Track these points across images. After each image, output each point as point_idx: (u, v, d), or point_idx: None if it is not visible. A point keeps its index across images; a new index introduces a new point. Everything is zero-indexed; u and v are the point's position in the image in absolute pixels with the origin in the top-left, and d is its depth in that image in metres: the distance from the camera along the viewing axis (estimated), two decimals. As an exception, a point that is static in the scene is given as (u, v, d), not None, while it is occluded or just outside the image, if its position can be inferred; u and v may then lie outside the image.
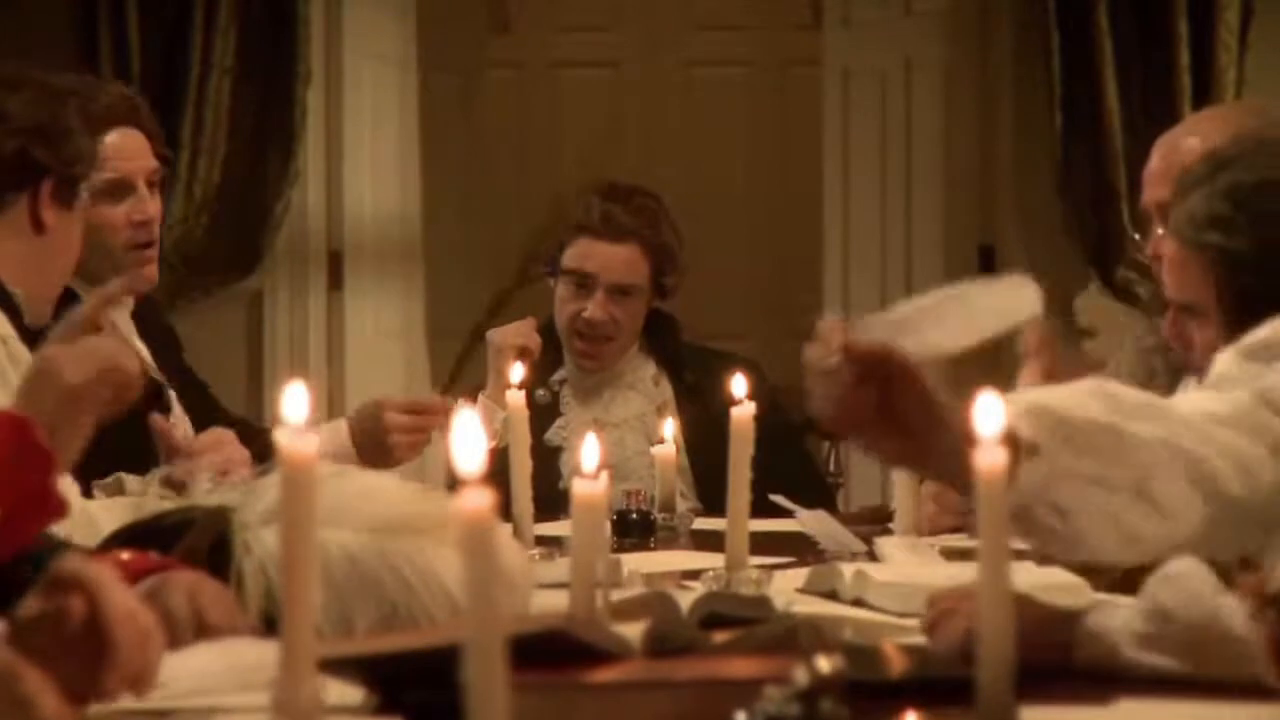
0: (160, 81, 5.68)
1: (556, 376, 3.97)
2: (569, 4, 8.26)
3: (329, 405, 6.09)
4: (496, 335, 3.90)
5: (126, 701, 1.65)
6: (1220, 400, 2.09)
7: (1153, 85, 5.66)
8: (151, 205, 3.31)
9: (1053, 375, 2.80)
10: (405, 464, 3.41)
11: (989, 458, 1.55)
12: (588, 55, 8.21)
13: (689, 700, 1.81)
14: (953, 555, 2.87)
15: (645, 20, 8.23)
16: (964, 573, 2.40)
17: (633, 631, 1.95)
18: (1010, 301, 2.14)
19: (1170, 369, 3.12)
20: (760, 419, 2.65)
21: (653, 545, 3.20)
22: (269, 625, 1.95)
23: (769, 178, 8.12)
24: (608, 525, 2.94)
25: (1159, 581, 1.85)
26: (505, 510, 2.83)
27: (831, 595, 2.51)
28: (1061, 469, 1.96)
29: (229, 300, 5.95)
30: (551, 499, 3.12)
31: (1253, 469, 2.02)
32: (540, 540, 2.89)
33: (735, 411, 2.62)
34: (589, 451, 2.14)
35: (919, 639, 2.09)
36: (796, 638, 1.93)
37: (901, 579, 2.44)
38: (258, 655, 1.77)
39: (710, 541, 2.94)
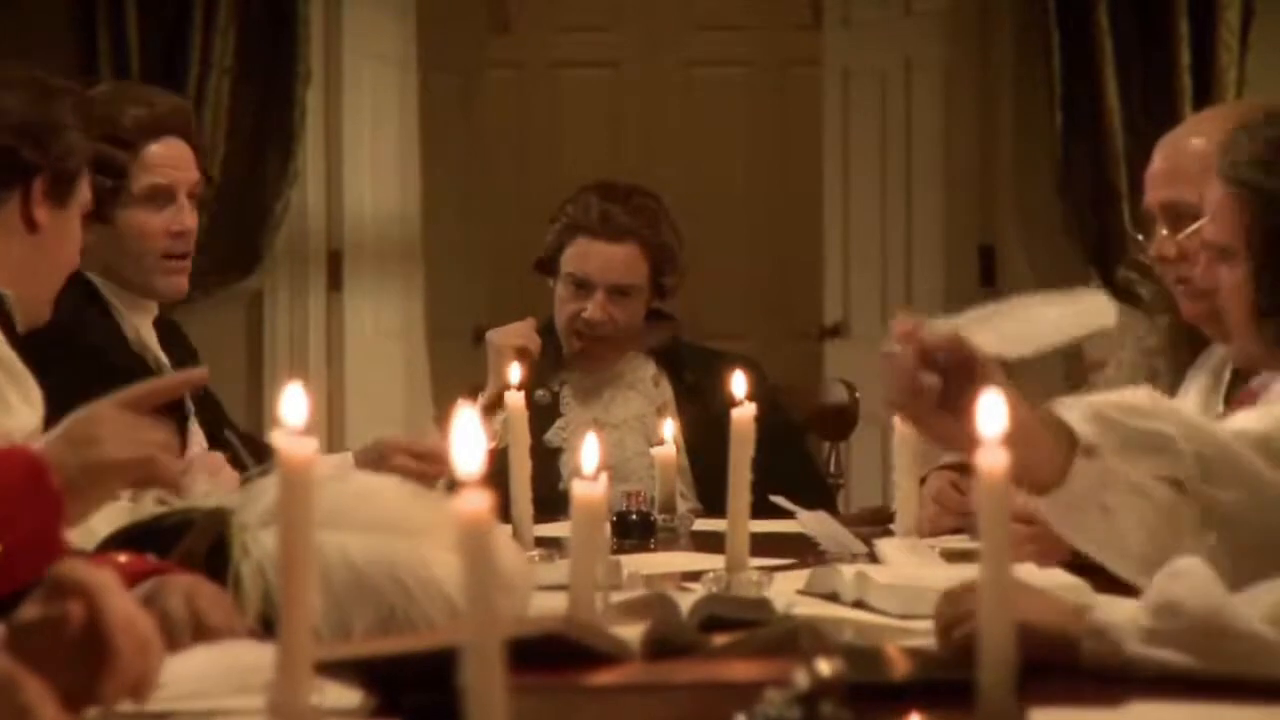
0: (159, 81, 5.64)
1: (556, 377, 3.96)
2: (569, 4, 8.26)
3: (329, 406, 6.09)
4: (496, 336, 3.89)
5: (125, 707, 1.64)
6: (1260, 418, 2.14)
7: (1153, 85, 5.66)
8: (190, 218, 3.34)
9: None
10: None
11: (990, 458, 1.54)
12: (588, 55, 8.21)
13: (688, 703, 1.81)
14: (953, 556, 2.86)
15: (645, 20, 8.23)
16: (965, 574, 2.39)
17: (632, 634, 1.94)
18: (1083, 313, 2.21)
19: (1173, 369, 3.12)
20: (760, 419, 2.64)
21: (653, 546, 3.20)
22: (267, 627, 1.95)
23: (769, 178, 8.12)
24: (607, 526, 2.93)
25: (1167, 577, 1.85)
26: (504, 512, 2.83)
27: (832, 597, 2.50)
28: (1114, 472, 2.05)
29: (228, 300, 5.95)
30: (551, 500, 3.12)
31: (1268, 496, 2.06)
32: (540, 542, 2.88)
33: (735, 412, 2.61)
34: (588, 453, 2.13)
35: (920, 641, 2.08)
36: (797, 640, 1.93)
37: (903, 581, 2.44)
38: (255, 658, 1.76)
39: (710, 543, 2.93)
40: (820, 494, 3.75)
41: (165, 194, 3.30)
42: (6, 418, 2.47)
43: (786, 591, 2.51)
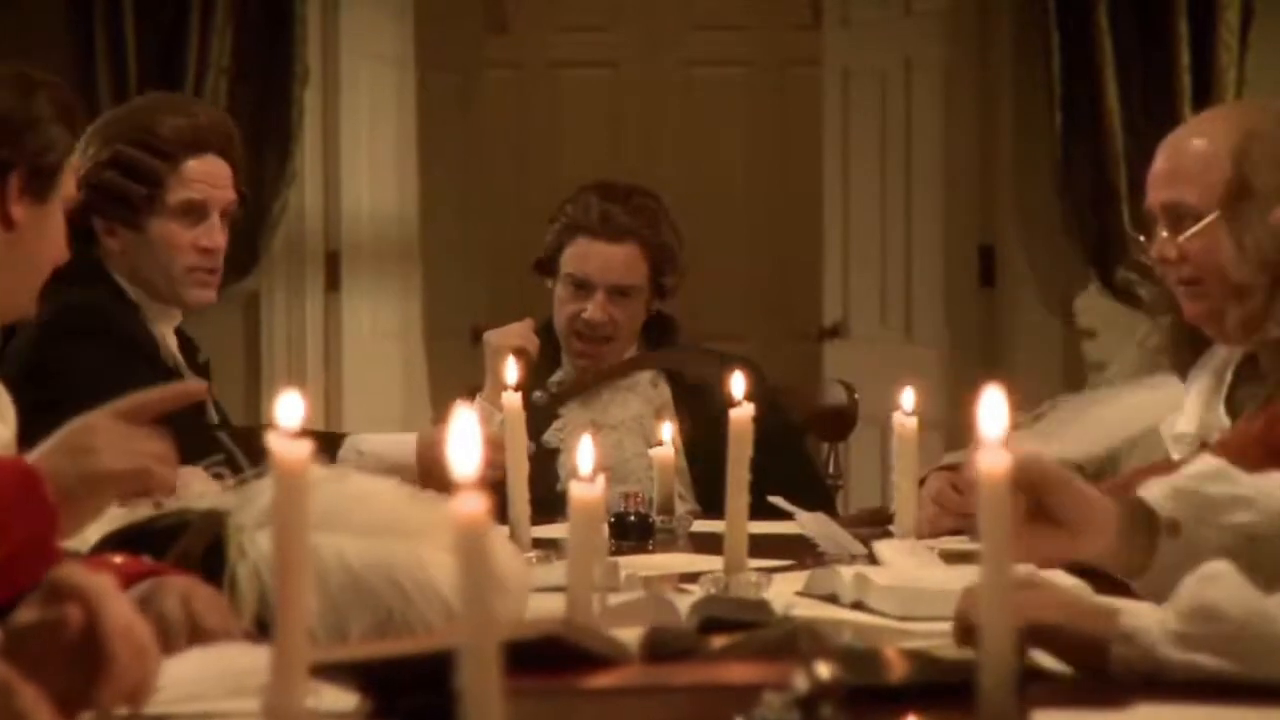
0: (157, 81, 5.66)
1: (555, 378, 3.95)
2: (568, 4, 8.25)
3: (326, 406, 6.08)
4: (494, 337, 3.88)
5: (120, 712, 1.63)
6: None
7: (1153, 85, 5.65)
8: (220, 236, 3.36)
9: None
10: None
11: (990, 459, 1.53)
12: (586, 55, 8.21)
13: (687, 706, 1.80)
14: (953, 557, 2.85)
15: (644, 20, 8.22)
16: (965, 575, 2.39)
17: (630, 636, 1.93)
18: (1160, 403, 2.27)
19: (1175, 370, 3.11)
20: (759, 420, 2.63)
21: (651, 548, 3.19)
22: (263, 629, 1.94)
23: (769, 178, 8.11)
24: (605, 528, 2.92)
25: (1199, 582, 1.84)
26: (502, 513, 2.82)
27: (831, 598, 2.49)
28: (1198, 544, 2.10)
29: (226, 301, 5.91)
30: (549, 501, 3.11)
31: None
32: (538, 543, 2.87)
33: (734, 413, 2.60)
34: (584, 454, 2.12)
35: (919, 642, 2.08)
36: (796, 642, 1.92)
37: (902, 582, 2.43)
38: (251, 660, 1.75)
39: (709, 544, 2.92)
40: (819, 495, 3.74)
41: (199, 209, 3.32)
42: None
43: (785, 593, 2.50)
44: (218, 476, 2.24)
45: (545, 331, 3.92)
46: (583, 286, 3.87)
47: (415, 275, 6.58)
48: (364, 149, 6.26)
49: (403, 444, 3.29)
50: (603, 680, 1.82)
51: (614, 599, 2.25)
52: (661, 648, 1.92)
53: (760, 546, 2.70)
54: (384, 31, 6.39)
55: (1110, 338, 5.52)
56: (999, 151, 6.05)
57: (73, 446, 2.05)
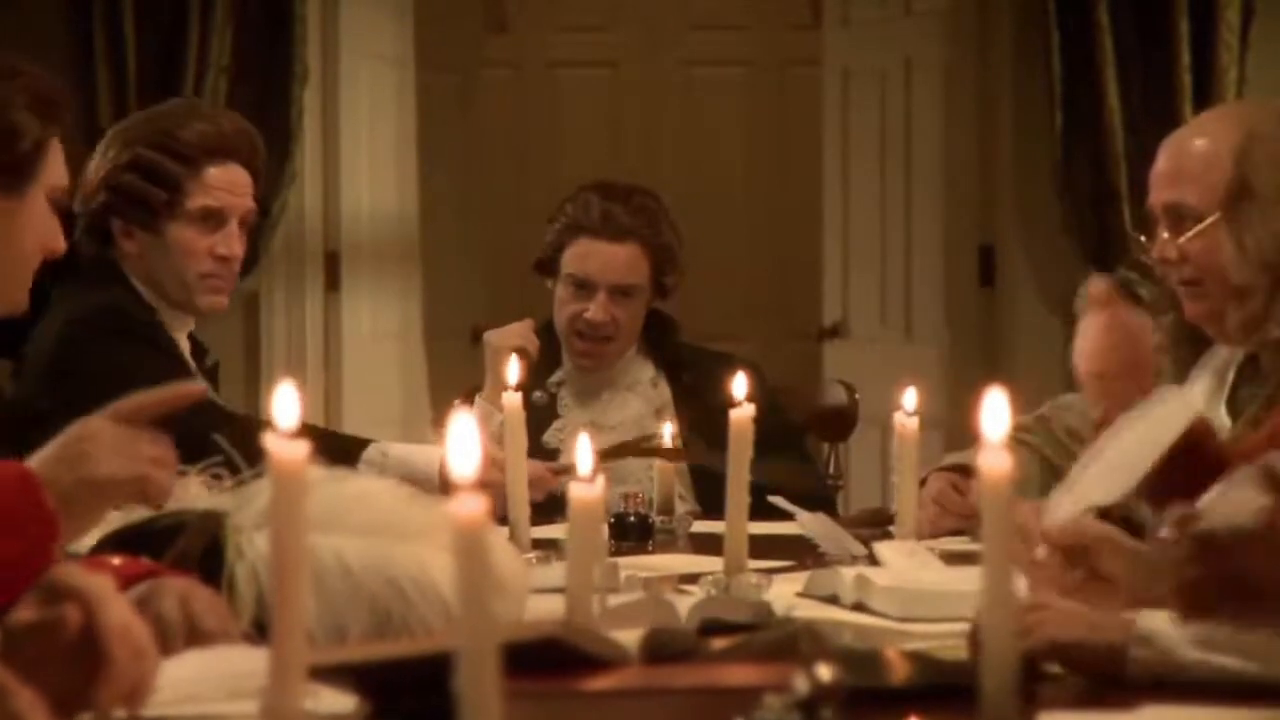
0: (156, 81, 5.66)
1: (554, 378, 3.95)
2: (567, 4, 8.24)
3: (325, 406, 6.07)
4: (494, 337, 3.88)
5: (118, 713, 1.63)
6: None
7: (1154, 85, 5.64)
8: (238, 245, 3.36)
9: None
10: None
11: (992, 461, 1.52)
12: (586, 55, 8.19)
13: (687, 708, 1.79)
14: (954, 558, 2.85)
15: (643, 20, 8.21)
16: (966, 577, 2.38)
17: (630, 637, 1.93)
18: (1170, 416, 2.27)
19: (1176, 368, 3.10)
20: (759, 420, 2.62)
21: (651, 549, 3.18)
22: (261, 631, 1.93)
23: (769, 178, 8.10)
24: (605, 528, 2.91)
25: None
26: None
27: (832, 599, 2.48)
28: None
29: (225, 301, 5.92)
30: (549, 501, 3.10)
31: None
32: (537, 544, 2.86)
33: (734, 414, 2.59)
34: (581, 454, 2.11)
35: (920, 644, 2.07)
36: (796, 644, 1.91)
37: (903, 584, 2.42)
38: (250, 662, 1.75)
39: (709, 545, 2.92)
40: (819, 496, 3.73)
41: (217, 217, 3.32)
42: None
43: (786, 594, 2.50)
44: (216, 478, 2.23)
45: (545, 331, 3.91)
46: (584, 286, 3.87)
47: (415, 275, 6.57)
48: (364, 149, 6.25)
49: (429, 455, 3.26)
50: (602, 682, 1.81)
51: (613, 600, 2.24)
52: (661, 649, 1.91)
53: (761, 547, 2.69)
54: (384, 31, 6.38)
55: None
56: (999, 151, 6.04)
57: (70, 454, 2.04)
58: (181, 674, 1.79)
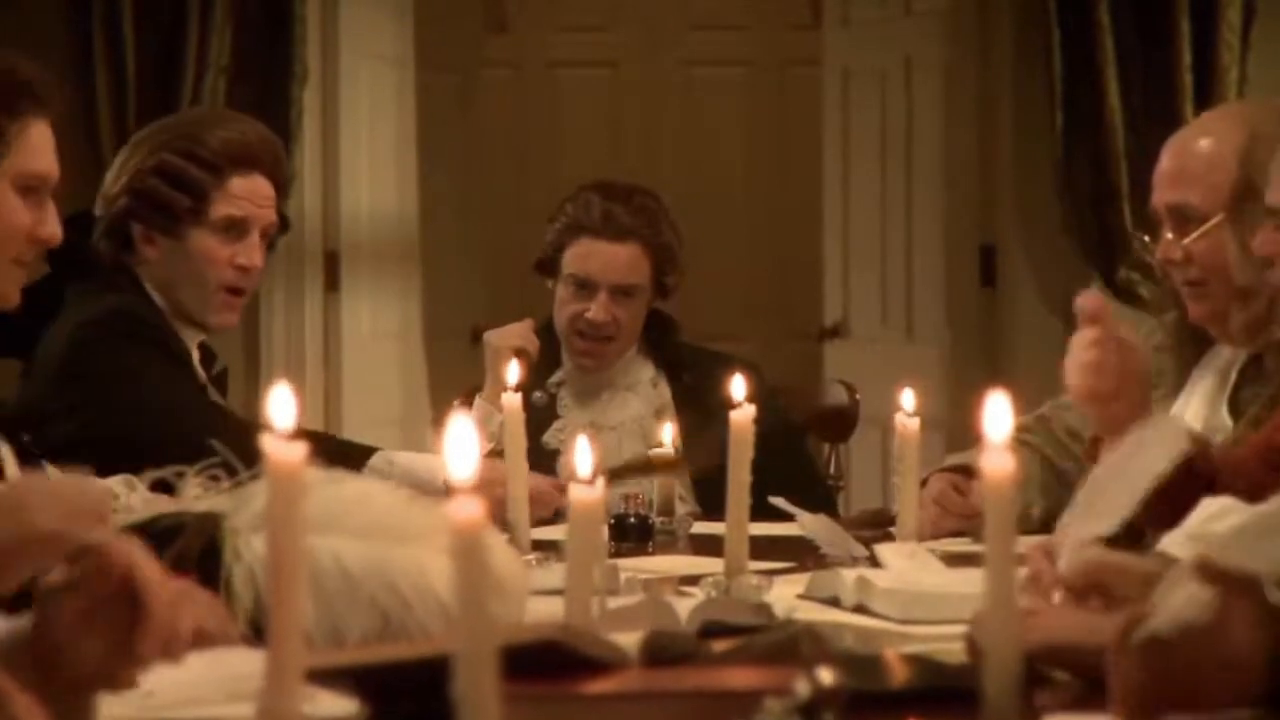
0: (155, 81, 5.65)
1: (554, 378, 3.94)
2: (567, 4, 8.23)
3: (325, 407, 6.06)
4: (494, 337, 3.87)
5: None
6: None
7: (1154, 84, 5.64)
8: (259, 256, 3.34)
9: None
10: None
11: (995, 462, 1.51)
12: (586, 55, 8.19)
13: (687, 712, 1.79)
14: (955, 560, 2.84)
15: (643, 20, 8.21)
16: (967, 578, 2.37)
17: (629, 640, 1.92)
18: (1163, 443, 2.26)
19: (1178, 368, 3.09)
20: (759, 421, 2.61)
21: (651, 550, 3.17)
22: (259, 633, 1.92)
23: (769, 178, 8.09)
24: (605, 530, 2.90)
25: None
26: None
27: (833, 601, 2.47)
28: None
29: (224, 301, 5.91)
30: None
31: None
32: (537, 545, 2.85)
33: (735, 415, 2.58)
34: (581, 455, 2.10)
35: (921, 646, 2.06)
36: (797, 646, 1.90)
37: (904, 585, 2.41)
38: (247, 665, 1.74)
39: (709, 546, 2.91)
40: (820, 496, 3.72)
41: (240, 226, 3.31)
42: None
43: (786, 596, 2.49)
44: (214, 479, 2.22)
45: (545, 331, 3.90)
46: (585, 286, 3.86)
47: (415, 275, 6.56)
48: (363, 149, 6.24)
49: (434, 464, 3.25)
50: (601, 686, 1.80)
51: (613, 602, 2.23)
52: (661, 652, 1.90)
53: (761, 548, 2.69)
54: (383, 31, 6.37)
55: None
56: (1000, 151, 6.03)
57: (3, 506, 1.98)
58: (179, 676, 1.78)
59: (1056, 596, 2.08)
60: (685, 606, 2.22)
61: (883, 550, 2.87)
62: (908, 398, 2.97)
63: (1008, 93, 5.99)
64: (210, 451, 2.28)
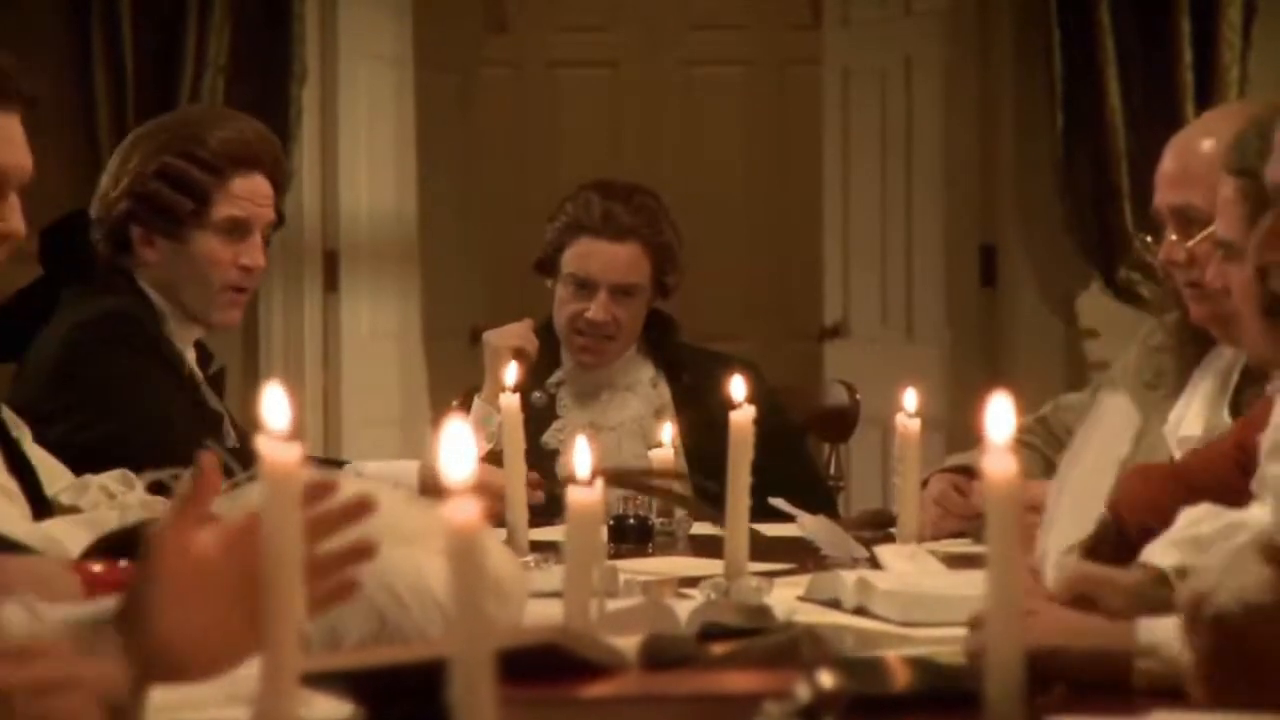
0: (154, 80, 5.64)
1: (553, 379, 3.93)
2: (566, 3, 8.23)
3: (324, 407, 6.06)
4: (493, 337, 3.86)
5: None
6: None
7: (1155, 83, 5.63)
8: (261, 255, 3.34)
9: None
10: None
11: (997, 464, 1.50)
12: (585, 55, 8.18)
13: (687, 716, 1.77)
14: (955, 561, 2.83)
15: (643, 20, 8.20)
16: (969, 580, 2.36)
17: (628, 643, 1.90)
18: (1114, 428, 2.27)
19: (1179, 368, 3.08)
20: (759, 422, 2.60)
21: (650, 551, 3.16)
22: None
23: (769, 178, 8.09)
24: (604, 531, 2.89)
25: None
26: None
27: (833, 603, 2.46)
28: (1206, 572, 2.06)
29: (223, 301, 5.90)
30: (548, 502, 3.08)
31: None
32: (536, 546, 2.84)
33: (735, 415, 2.57)
34: (580, 456, 2.09)
35: (922, 649, 2.05)
36: (798, 649, 1.89)
37: (905, 587, 2.40)
38: (245, 668, 1.72)
39: (709, 547, 2.90)
40: (820, 497, 3.71)
41: (242, 227, 3.30)
42: None
43: (787, 598, 2.48)
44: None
45: (544, 331, 3.89)
46: (585, 286, 3.85)
47: (414, 275, 6.55)
48: (362, 149, 6.23)
49: (404, 471, 3.24)
50: (600, 689, 1.79)
51: (612, 604, 2.22)
52: (660, 655, 1.89)
53: (761, 550, 2.68)
54: (382, 31, 6.36)
55: (1112, 337, 5.49)
56: (1000, 150, 6.02)
57: None
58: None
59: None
60: (684, 609, 2.21)
61: (883, 552, 2.86)
62: (910, 398, 2.96)
63: (1008, 92, 5.99)
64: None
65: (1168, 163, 2.94)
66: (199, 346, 3.39)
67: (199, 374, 3.34)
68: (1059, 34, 5.69)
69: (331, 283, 6.11)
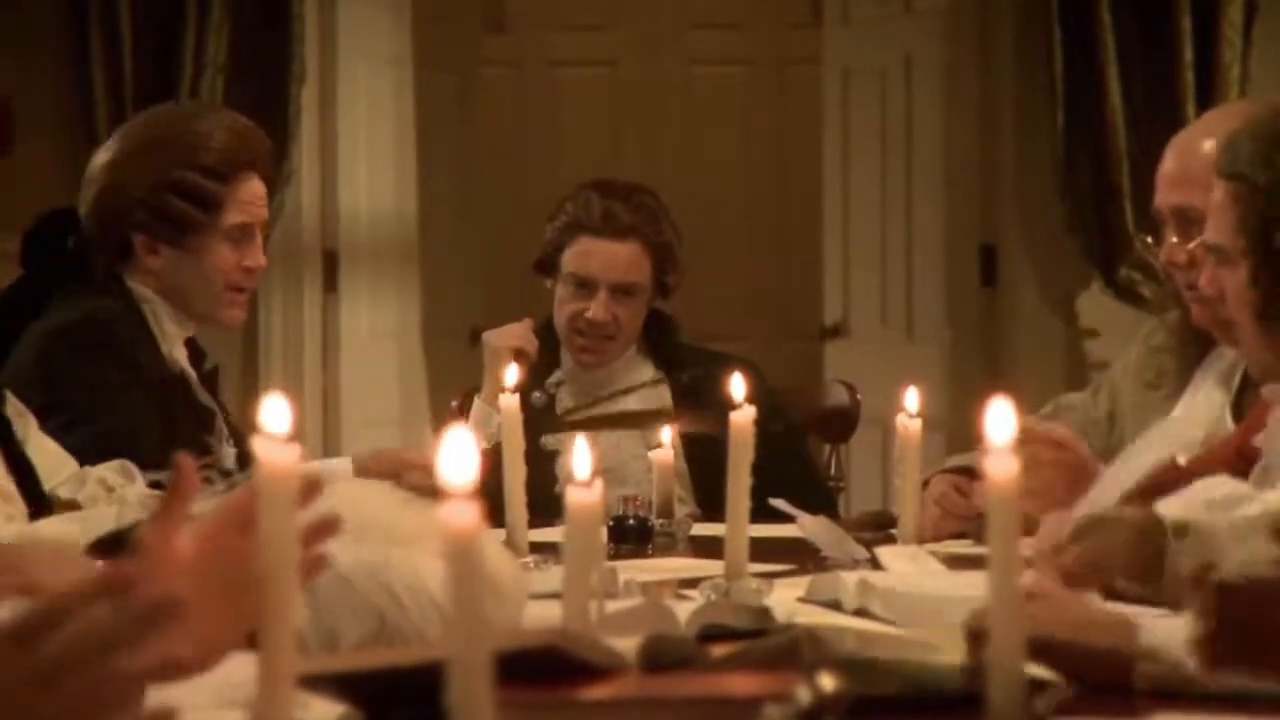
0: (153, 79, 5.64)
1: (553, 379, 3.92)
2: (566, 3, 8.23)
3: (324, 407, 6.05)
4: (493, 337, 3.85)
5: None
6: None
7: (1156, 83, 5.62)
8: (262, 255, 3.37)
9: None
10: None
11: (999, 465, 1.49)
12: (585, 54, 8.18)
13: (686, 718, 1.76)
14: (956, 561, 2.82)
15: (643, 19, 8.19)
16: (970, 581, 2.36)
17: (628, 645, 1.89)
18: (1149, 456, 2.30)
19: (1180, 368, 3.07)
20: (759, 422, 2.59)
21: (650, 552, 3.15)
22: (253, 639, 1.90)
23: (769, 177, 8.08)
24: (604, 532, 2.88)
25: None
26: (499, 515, 2.78)
27: (834, 604, 2.45)
28: (1209, 538, 2.11)
29: (222, 301, 5.90)
30: (547, 503, 3.07)
31: None
32: (535, 547, 2.83)
33: (735, 416, 2.56)
34: (580, 457, 2.08)
35: (923, 651, 2.04)
36: (798, 651, 1.88)
37: (906, 588, 2.39)
38: (239, 671, 1.72)
39: (709, 548, 2.89)
40: (820, 497, 3.70)
41: (247, 232, 3.32)
42: None
43: (787, 599, 2.47)
44: (208, 481, 2.20)
45: (544, 331, 3.89)
46: (585, 285, 3.84)
47: (413, 275, 6.55)
48: (362, 148, 6.23)
49: (338, 467, 3.23)
50: (599, 692, 1.78)
51: (612, 606, 2.21)
52: (660, 657, 1.88)
53: (761, 551, 2.67)
54: (382, 30, 6.35)
55: (1112, 337, 5.49)
56: (1000, 150, 6.02)
57: None
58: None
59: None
60: (684, 610, 2.20)
61: (884, 553, 2.85)
62: (911, 398, 2.95)
63: (1009, 91, 5.98)
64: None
65: (1168, 163, 2.93)
66: (191, 344, 3.38)
67: (190, 372, 3.33)
68: (1060, 33, 5.69)
69: (331, 283, 6.11)
